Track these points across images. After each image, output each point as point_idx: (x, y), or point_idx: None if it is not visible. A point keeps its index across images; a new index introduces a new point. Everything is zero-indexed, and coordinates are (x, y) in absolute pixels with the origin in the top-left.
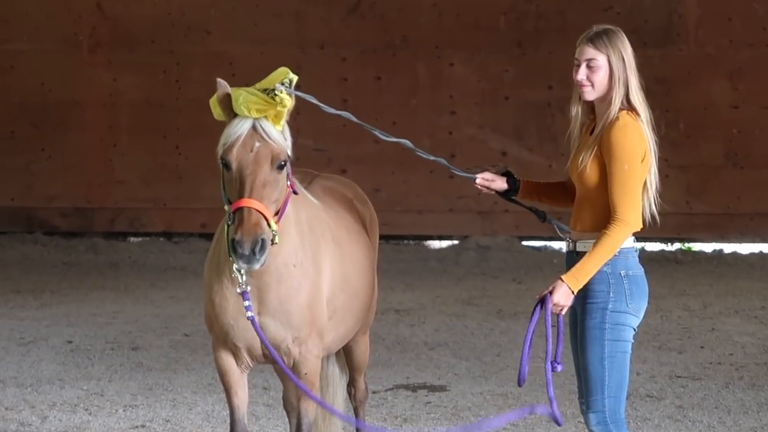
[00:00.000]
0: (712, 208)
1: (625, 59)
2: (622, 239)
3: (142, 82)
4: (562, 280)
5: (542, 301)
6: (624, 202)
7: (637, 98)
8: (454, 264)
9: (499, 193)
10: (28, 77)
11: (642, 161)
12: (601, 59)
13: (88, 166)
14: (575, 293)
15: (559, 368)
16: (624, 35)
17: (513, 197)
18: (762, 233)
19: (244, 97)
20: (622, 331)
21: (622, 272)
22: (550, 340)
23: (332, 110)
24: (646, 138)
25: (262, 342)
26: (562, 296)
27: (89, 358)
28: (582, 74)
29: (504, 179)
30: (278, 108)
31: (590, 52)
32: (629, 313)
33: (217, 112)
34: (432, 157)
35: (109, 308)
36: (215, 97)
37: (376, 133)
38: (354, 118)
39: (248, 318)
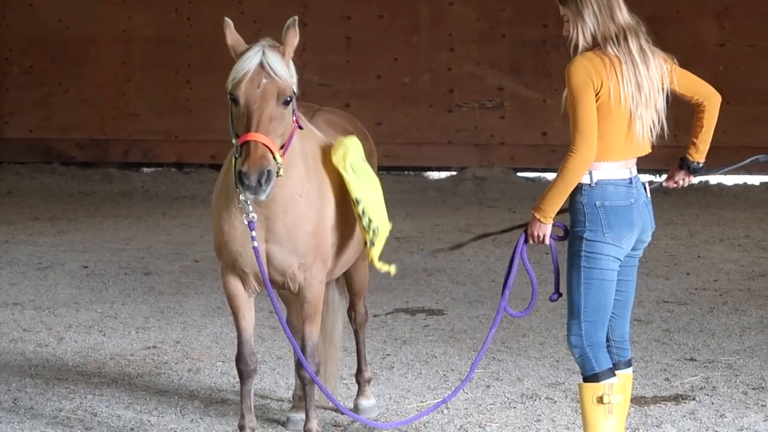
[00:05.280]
0: None
1: (581, 6)
2: (576, 167)
3: (155, 19)
4: (532, 212)
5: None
6: (574, 132)
7: (603, 37)
8: (451, 194)
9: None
10: (46, 14)
11: (598, 93)
12: (566, 12)
13: (103, 99)
14: (545, 222)
15: (555, 297)
16: None
17: (701, 167)
18: (746, 166)
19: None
20: (598, 260)
21: (598, 203)
22: (513, 271)
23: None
24: (603, 71)
25: (261, 273)
26: (534, 227)
27: (104, 283)
28: (564, 29)
29: (683, 171)
30: None
31: (561, 9)
32: (606, 242)
33: None
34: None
35: (123, 235)
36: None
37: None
38: None
39: (253, 248)
